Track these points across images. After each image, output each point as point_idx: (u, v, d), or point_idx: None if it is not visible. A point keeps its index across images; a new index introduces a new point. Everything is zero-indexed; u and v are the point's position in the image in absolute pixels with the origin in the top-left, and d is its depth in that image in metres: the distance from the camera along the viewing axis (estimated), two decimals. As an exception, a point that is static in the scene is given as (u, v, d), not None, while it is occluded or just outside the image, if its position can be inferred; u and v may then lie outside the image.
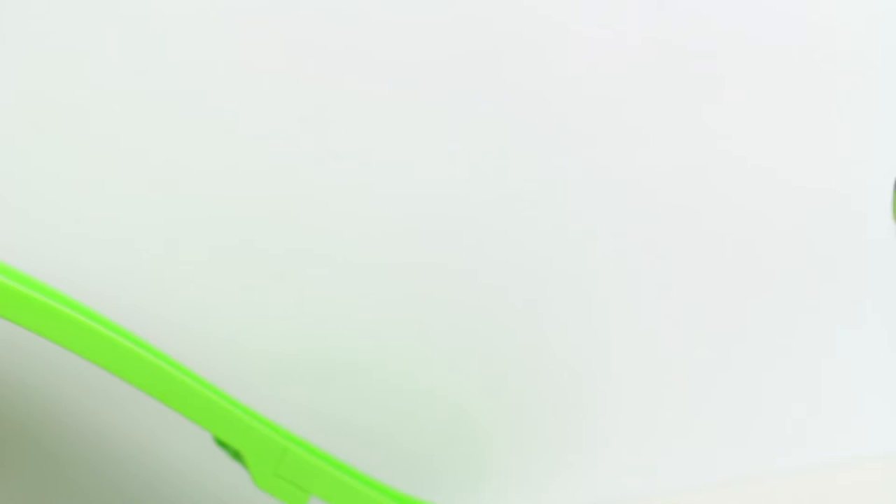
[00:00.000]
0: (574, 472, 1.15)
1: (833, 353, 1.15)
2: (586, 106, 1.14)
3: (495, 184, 1.13)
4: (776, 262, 1.15)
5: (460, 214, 1.13)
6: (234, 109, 1.09)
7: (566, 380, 1.15)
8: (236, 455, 0.93)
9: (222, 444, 0.95)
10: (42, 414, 1.07)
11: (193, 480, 1.10)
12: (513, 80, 1.13)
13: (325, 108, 1.10)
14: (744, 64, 1.14)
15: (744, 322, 1.15)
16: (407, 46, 1.11)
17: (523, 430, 1.15)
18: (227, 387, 0.98)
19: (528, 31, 1.13)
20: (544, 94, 1.13)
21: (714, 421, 1.16)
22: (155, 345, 0.96)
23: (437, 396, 1.13)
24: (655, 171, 1.14)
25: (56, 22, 1.07)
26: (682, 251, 1.15)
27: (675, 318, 1.15)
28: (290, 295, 1.11)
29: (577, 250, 1.14)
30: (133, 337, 0.94)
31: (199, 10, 1.08)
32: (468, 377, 1.13)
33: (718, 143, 1.15)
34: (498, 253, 1.13)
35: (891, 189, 0.61)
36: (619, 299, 1.15)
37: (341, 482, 0.93)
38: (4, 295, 0.84)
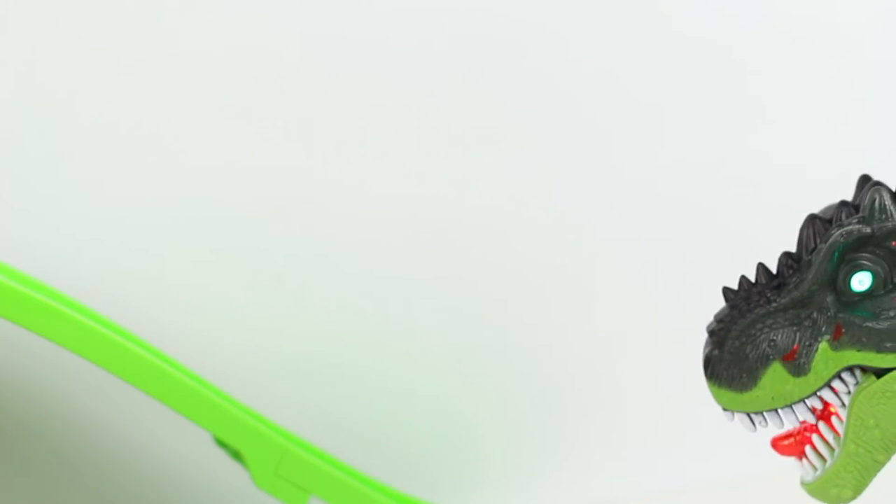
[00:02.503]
0: (571, 473, 1.15)
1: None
2: (592, 105, 1.14)
3: (495, 186, 1.13)
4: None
5: (461, 217, 1.13)
6: (236, 111, 1.09)
7: (564, 382, 1.15)
8: (236, 455, 0.93)
9: (222, 444, 0.95)
10: (42, 414, 1.07)
11: (193, 480, 1.10)
12: (516, 79, 1.13)
13: (327, 111, 1.10)
14: (763, 59, 1.14)
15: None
16: (414, 44, 1.11)
17: (521, 430, 1.15)
18: (227, 387, 0.98)
19: (539, 30, 1.13)
20: (550, 96, 1.13)
21: (713, 421, 1.16)
22: (155, 345, 0.97)
23: (436, 397, 1.13)
24: (660, 170, 1.14)
25: (56, 23, 1.07)
26: (681, 251, 1.15)
27: (675, 318, 1.16)
28: (290, 296, 1.11)
29: (575, 252, 1.14)
30: (133, 337, 0.94)
31: (201, 10, 1.08)
32: (467, 378, 1.13)
33: (726, 142, 1.15)
34: (498, 256, 1.13)
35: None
36: (619, 300, 1.15)
37: (341, 482, 0.93)
38: (4, 295, 0.84)
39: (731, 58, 1.13)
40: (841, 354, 0.63)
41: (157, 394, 0.88)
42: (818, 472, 0.65)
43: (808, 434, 0.66)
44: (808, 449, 0.66)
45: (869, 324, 0.63)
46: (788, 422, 0.65)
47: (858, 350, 0.63)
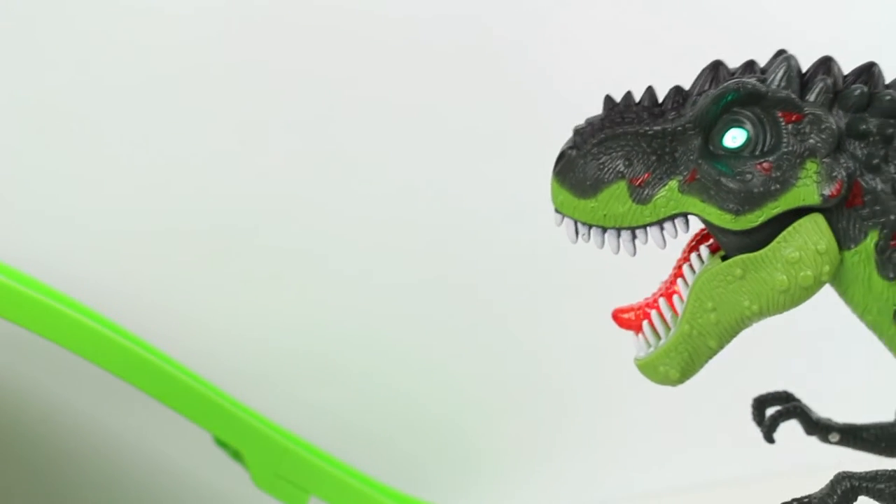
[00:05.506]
0: (565, 473, 1.15)
1: (832, 352, 1.15)
2: (592, 106, 1.14)
3: (493, 191, 1.13)
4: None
5: (457, 222, 1.13)
6: (237, 110, 1.09)
7: (559, 384, 1.15)
8: (236, 455, 0.93)
9: (222, 444, 0.95)
10: (42, 414, 1.07)
11: (193, 480, 1.10)
12: (517, 83, 1.13)
13: (326, 109, 1.11)
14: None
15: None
16: (414, 45, 1.11)
17: (519, 431, 1.15)
18: (227, 387, 0.98)
19: (537, 31, 1.13)
20: (550, 97, 1.13)
21: (706, 421, 1.16)
22: (155, 344, 0.97)
23: (434, 398, 1.13)
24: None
25: (56, 23, 1.07)
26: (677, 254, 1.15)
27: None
28: (290, 297, 1.11)
29: (568, 254, 1.14)
30: (133, 337, 0.94)
31: (199, 11, 1.08)
32: (465, 380, 1.13)
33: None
34: (492, 260, 1.13)
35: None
36: (612, 300, 1.15)
37: (341, 482, 0.93)
38: (4, 295, 0.85)
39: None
40: (685, 199, 0.63)
41: (158, 394, 0.88)
42: (651, 349, 0.65)
43: (648, 310, 0.65)
44: (645, 324, 0.65)
45: (723, 179, 0.62)
46: (610, 245, 0.64)
47: (703, 201, 0.62)
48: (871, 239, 0.63)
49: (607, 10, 1.13)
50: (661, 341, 0.65)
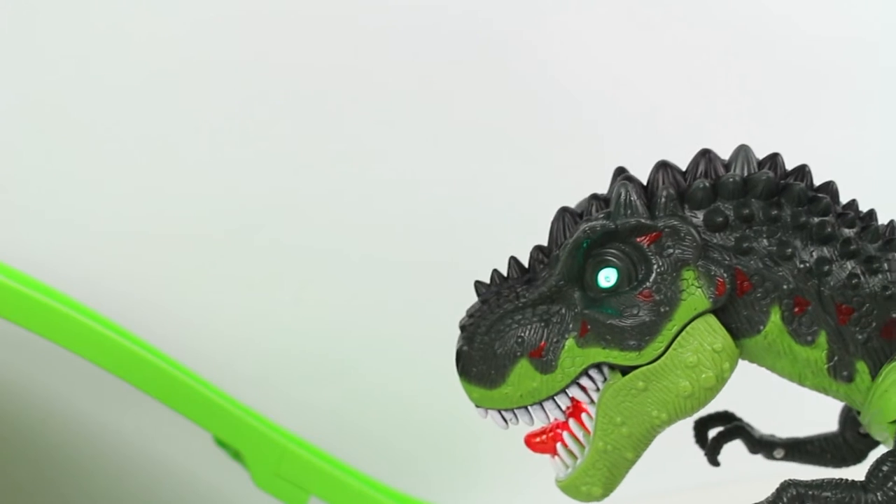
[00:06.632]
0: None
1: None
2: (591, 104, 1.14)
3: (496, 186, 1.13)
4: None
5: (460, 221, 1.13)
6: (236, 110, 1.09)
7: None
8: (236, 455, 0.93)
9: (222, 444, 0.95)
10: (42, 414, 1.07)
11: (193, 480, 1.10)
12: (519, 83, 1.13)
13: (328, 109, 1.10)
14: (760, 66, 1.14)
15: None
16: (413, 44, 1.11)
17: (519, 430, 1.15)
18: (226, 387, 0.98)
19: (538, 32, 1.13)
20: (548, 96, 1.13)
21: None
22: (155, 345, 0.97)
23: (435, 398, 1.13)
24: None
25: (57, 25, 1.07)
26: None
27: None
28: (290, 297, 1.11)
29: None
30: (133, 337, 0.94)
31: (199, 12, 1.08)
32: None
33: (720, 143, 1.15)
34: (498, 258, 1.13)
35: None
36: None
37: (341, 482, 0.93)
38: (4, 295, 0.85)
39: (729, 62, 1.14)
40: (587, 351, 0.62)
41: (158, 394, 0.88)
42: (569, 470, 0.64)
43: (559, 431, 0.65)
44: (559, 446, 0.65)
45: (613, 321, 0.62)
46: (539, 419, 0.63)
47: (604, 347, 0.62)
48: (775, 314, 0.62)
49: (610, 6, 1.13)
50: (578, 460, 0.64)
